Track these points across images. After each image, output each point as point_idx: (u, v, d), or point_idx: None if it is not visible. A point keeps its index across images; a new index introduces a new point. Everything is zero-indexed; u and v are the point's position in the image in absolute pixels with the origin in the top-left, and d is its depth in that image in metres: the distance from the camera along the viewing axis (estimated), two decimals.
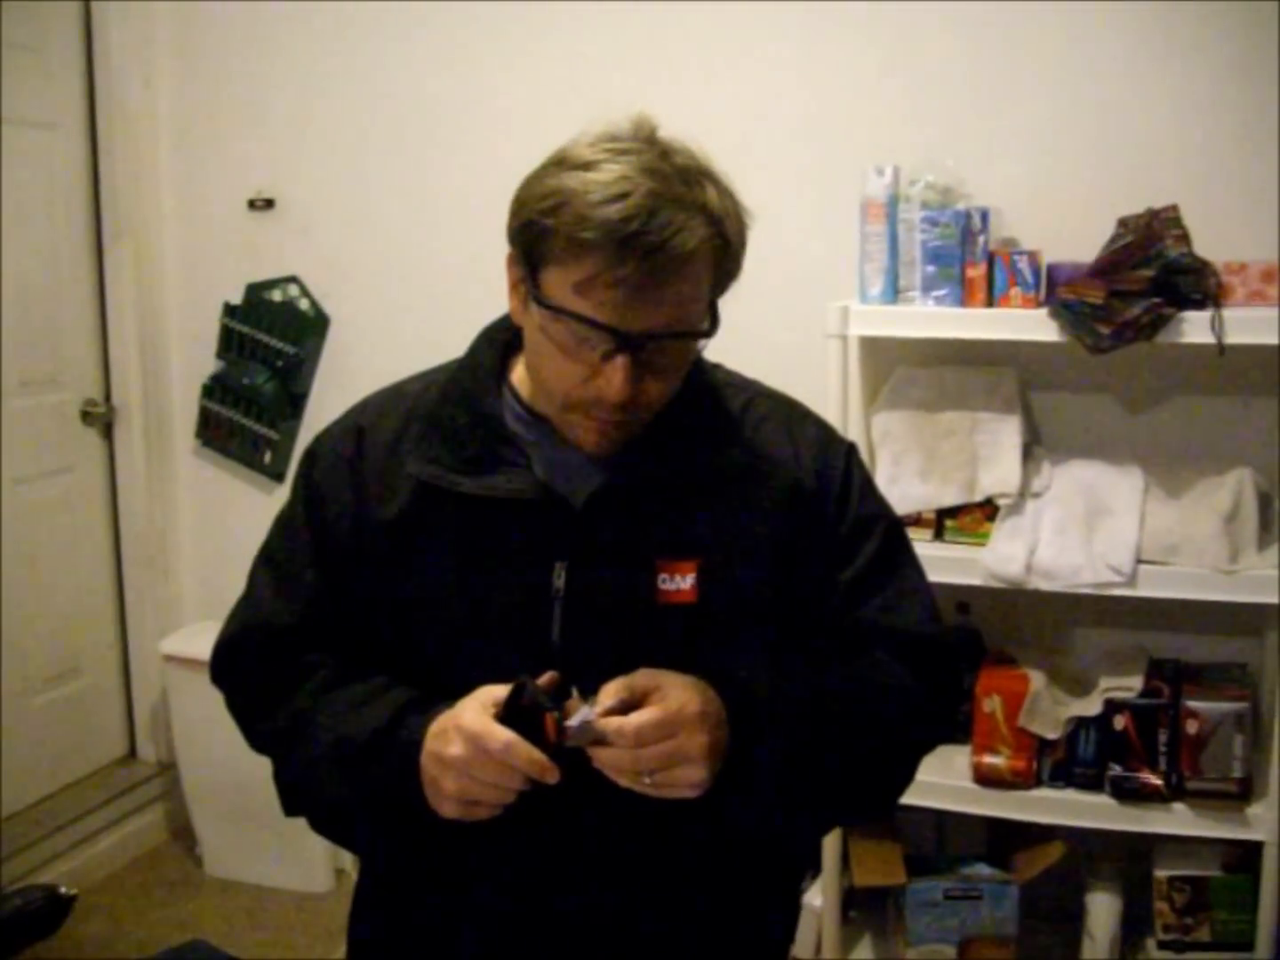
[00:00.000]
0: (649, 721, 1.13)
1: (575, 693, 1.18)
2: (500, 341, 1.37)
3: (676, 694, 1.15)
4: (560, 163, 1.20)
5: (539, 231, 1.18)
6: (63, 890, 1.27)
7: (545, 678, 1.19)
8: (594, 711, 1.15)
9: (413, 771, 1.20)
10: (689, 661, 1.20)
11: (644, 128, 1.21)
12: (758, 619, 1.30)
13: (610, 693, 1.15)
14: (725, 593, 1.28)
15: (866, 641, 1.32)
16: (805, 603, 1.32)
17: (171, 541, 3.59)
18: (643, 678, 1.17)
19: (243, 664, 1.39)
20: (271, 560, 1.40)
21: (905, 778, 1.36)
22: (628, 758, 1.14)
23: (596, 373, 1.19)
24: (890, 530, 1.37)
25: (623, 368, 1.17)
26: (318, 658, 1.35)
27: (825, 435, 1.40)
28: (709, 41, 2.92)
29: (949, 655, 1.39)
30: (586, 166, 1.17)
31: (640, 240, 1.13)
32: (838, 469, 1.36)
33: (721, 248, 1.20)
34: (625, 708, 1.15)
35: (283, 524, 1.41)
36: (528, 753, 1.13)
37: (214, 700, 1.44)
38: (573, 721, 1.14)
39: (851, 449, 1.40)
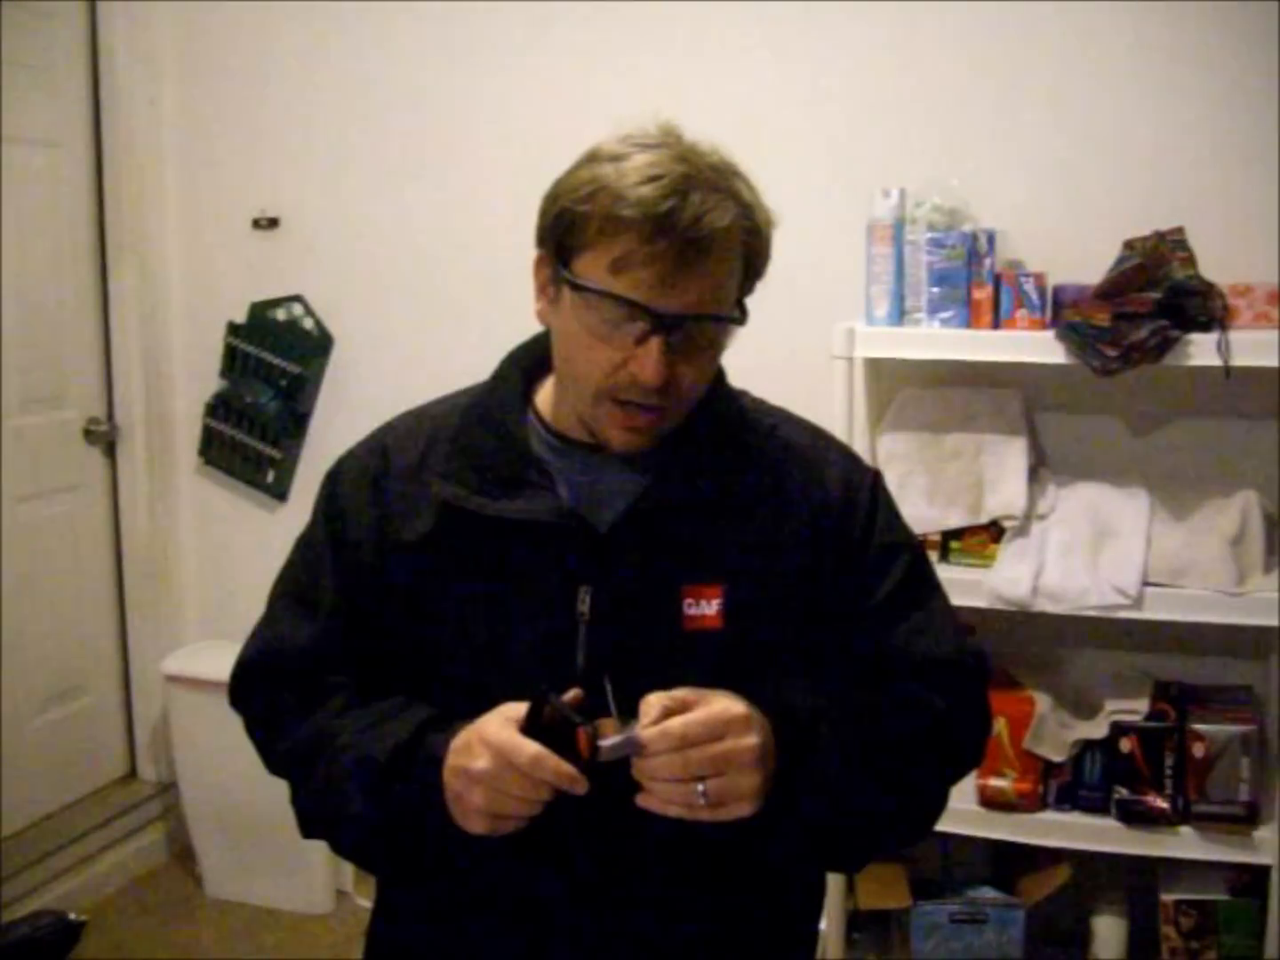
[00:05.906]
0: (694, 720, 1.12)
1: (614, 711, 1.16)
2: (525, 365, 1.37)
3: (720, 700, 1.15)
4: (592, 158, 1.22)
5: (573, 219, 1.19)
6: (72, 916, 1.26)
7: (570, 694, 1.18)
8: (634, 727, 1.12)
9: (436, 787, 1.19)
10: (716, 687, 1.19)
11: (670, 130, 1.24)
12: (784, 644, 1.29)
13: (653, 705, 1.14)
14: (751, 618, 1.27)
15: (894, 668, 1.31)
16: (831, 629, 1.31)
17: (174, 560, 3.59)
18: (685, 692, 1.16)
19: (261, 687, 1.38)
20: (292, 582, 1.39)
21: (941, 802, 1.35)
22: (677, 761, 1.11)
23: (631, 357, 1.19)
24: (915, 557, 1.38)
25: (657, 350, 1.18)
26: (337, 681, 1.34)
27: (850, 463, 1.40)
28: (714, 63, 2.93)
29: (977, 680, 1.38)
30: (618, 158, 1.19)
31: (674, 218, 1.14)
32: (863, 496, 1.35)
33: (752, 232, 1.22)
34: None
35: (303, 545, 1.40)
36: (555, 764, 1.12)
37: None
38: (608, 741, 1.12)
39: (877, 476, 1.40)
